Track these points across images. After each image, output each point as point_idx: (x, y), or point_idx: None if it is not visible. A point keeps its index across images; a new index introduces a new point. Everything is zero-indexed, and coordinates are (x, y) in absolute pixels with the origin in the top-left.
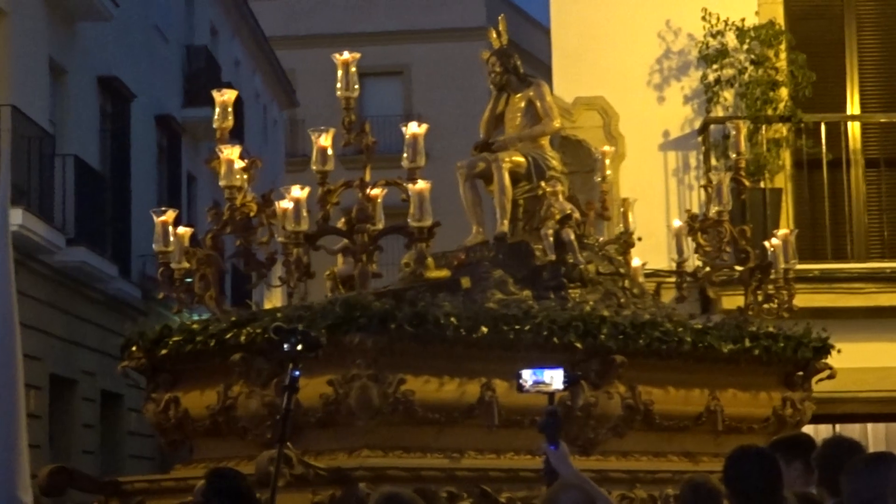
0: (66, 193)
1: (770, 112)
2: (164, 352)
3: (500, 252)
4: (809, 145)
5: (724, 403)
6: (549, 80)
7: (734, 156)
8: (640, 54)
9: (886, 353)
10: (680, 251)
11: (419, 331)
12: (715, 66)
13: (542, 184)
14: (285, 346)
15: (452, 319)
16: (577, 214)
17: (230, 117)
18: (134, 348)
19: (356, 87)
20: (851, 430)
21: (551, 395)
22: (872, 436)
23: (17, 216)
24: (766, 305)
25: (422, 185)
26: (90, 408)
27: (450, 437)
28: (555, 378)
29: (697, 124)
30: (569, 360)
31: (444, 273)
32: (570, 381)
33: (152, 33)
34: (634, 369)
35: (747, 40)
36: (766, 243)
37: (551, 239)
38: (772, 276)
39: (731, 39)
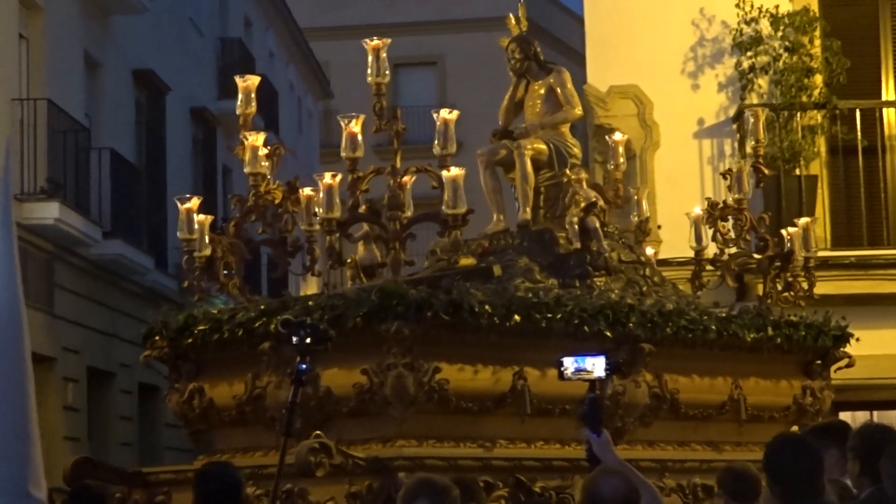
0: (102, 186)
1: (805, 99)
2: (188, 341)
3: (524, 240)
4: (844, 132)
5: (747, 392)
6: (582, 69)
7: (752, 143)
8: (674, 42)
9: None
10: (698, 239)
11: (454, 319)
12: (749, 54)
13: (567, 171)
14: (294, 339)
15: (487, 307)
16: (601, 202)
17: (253, 103)
18: (157, 337)
19: (387, 73)
20: (888, 417)
21: (592, 382)
22: None
23: (53, 210)
24: (784, 294)
25: (456, 171)
26: (128, 400)
27: (482, 426)
28: (596, 365)
29: (732, 112)
30: (598, 349)
31: (470, 261)
32: (611, 369)
33: (186, 26)
34: (661, 358)
35: (781, 27)
36: (784, 231)
37: (576, 227)
38: (792, 265)
39: (765, 26)
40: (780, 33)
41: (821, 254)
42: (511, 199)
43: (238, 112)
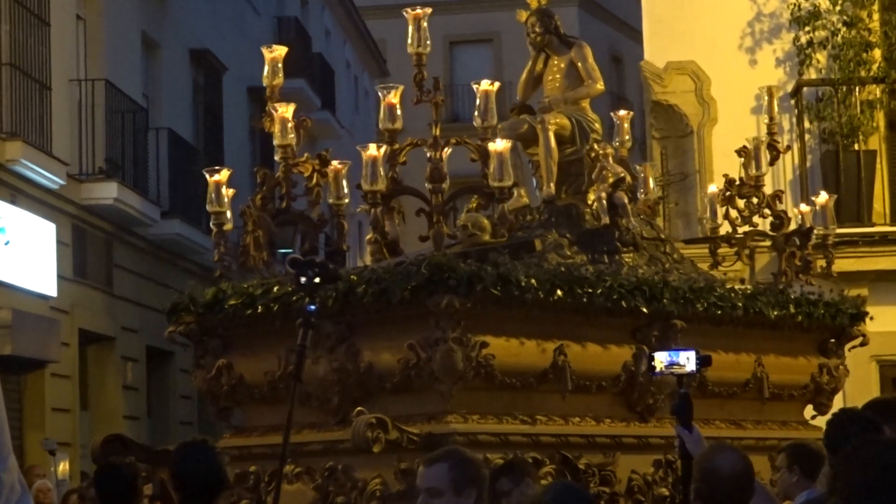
0: (159, 166)
1: (863, 73)
2: (218, 316)
3: (551, 215)
4: None
5: (769, 370)
6: (639, 46)
7: (767, 121)
8: (732, 17)
9: None
10: (714, 216)
11: (503, 293)
12: (807, 28)
13: (595, 146)
14: (302, 278)
15: (533, 282)
16: (629, 178)
17: (280, 74)
18: (183, 313)
19: (428, 43)
20: None
21: (681, 378)
22: None
23: (112, 190)
24: (807, 276)
25: (503, 144)
26: (186, 379)
27: (525, 401)
28: (689, 360)
29: (790, 87)
30: (633, 325)
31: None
32: (701, 363)
33: (243, 5)
34: (690, 335)
35: (840, 1)
36: (797, 209)
37: (605, 202)
38: (812, 242)
39: (823, 1)
40: (838, 7)
41: (880, 229)
42: (529, 175)
43: (265, 83)
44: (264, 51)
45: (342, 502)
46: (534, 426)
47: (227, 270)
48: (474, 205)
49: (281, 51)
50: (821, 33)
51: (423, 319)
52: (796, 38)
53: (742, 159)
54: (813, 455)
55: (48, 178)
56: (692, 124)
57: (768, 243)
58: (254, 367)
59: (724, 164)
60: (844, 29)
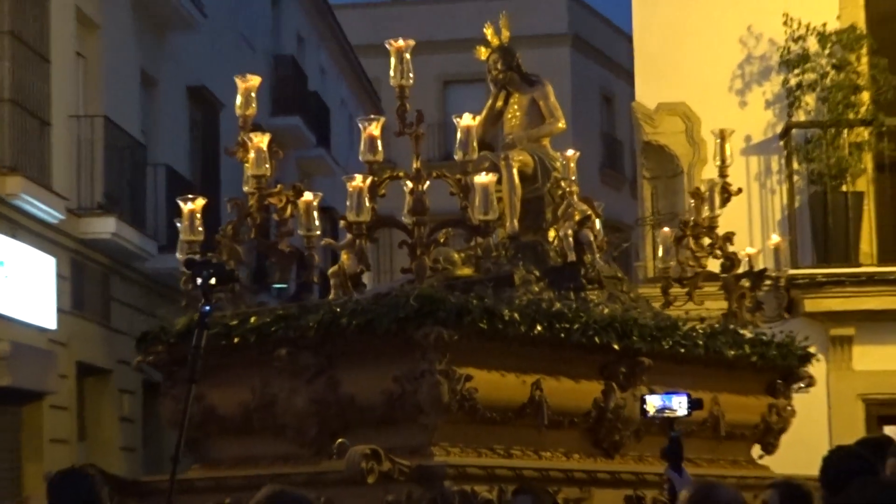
0: (157, 202)
1: (852, 116)
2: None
3: (516, 251)
4: (891, 148)
5: (724, 409)
6: (630, 86)
7: (717, 163)
8: (722, 59)
9: None
10: (666, 256)
11: (488, 326)
12: (796, 71)
13: (563, 183)
14: (198, 280)
15: (516, 315)
16: (594, 216)
17: (253, 104)
18: (154, 342)
19: (410, 75)
20: None
21: (672, 421)
22: None
23: (110, 224)
24: (749, 316)
25: (487, 178)
26: None
27: (503, 435)
28: (681, 404)
29: (779, 129)
30: (602, 361)
31: (468, 270)
32: (692, 407)
33: (240, 42)
34: (654, 372)
35: (829, 45)
36: (744, 251)
37: (570, 239)
38: (766, 283)
39: (812, 44)
40: (827, 51)
41: (867, 269)
42: None
43: (238, 113)
44: (238, 80)
45: None
46: (516, 460)
47: (195, 300)
48: (442, 239)
49: (255, 80)
50: (810, 76)
51: (408, 351)
52: (786, 81)
53: (693, 202)
54: (800, 493)
55: (48, 212)
56: (682, 165)
57: (718, 285)
58: (227, 397)
59: None
60: (833, 72)
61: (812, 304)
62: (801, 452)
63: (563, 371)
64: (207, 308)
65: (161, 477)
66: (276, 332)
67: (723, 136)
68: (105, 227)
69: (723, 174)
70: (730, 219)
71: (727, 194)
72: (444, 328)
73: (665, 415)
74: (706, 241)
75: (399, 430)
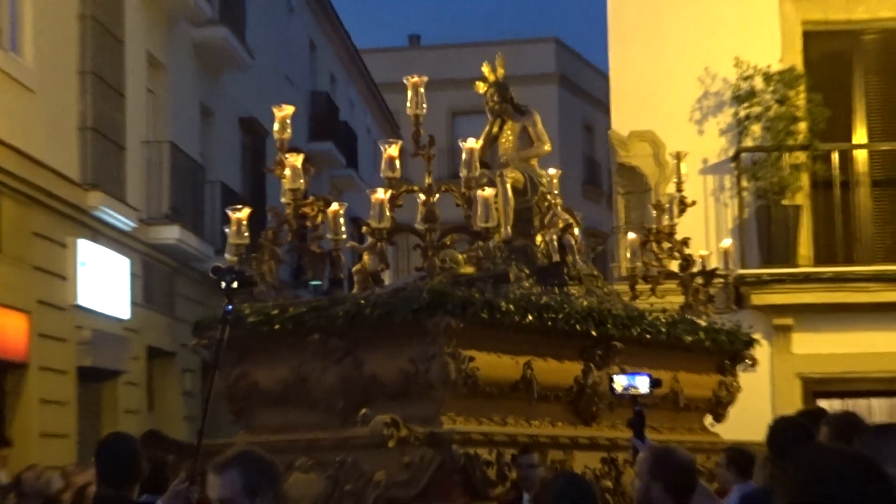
0: (213, 213)
1: (791, 142)
2: (238, 332)
3: (510, 253)
4: (824, 169)
5: (682, 385)
6: (607, 117)
7: (675, 180)
8: (684, 95)
9: (889, 341)
10: (633, 258)
11: (488, 316)
12: (745, 105)
13: (549, 196)
14: (222, 284)
15: (511, 307)
16: (575, 224)
17: (288, 129)
18: (207, 329)
19: (424, 106)
20: (858, 405)
21: (635, 397)
22: (878, 409)
23: (175, 232)
24: (703, 308)
25: (488, 191)
26: None
27: (500, 406)
28: (643, 383)
29: (731, 153)
30: (582, 345)
31: (471, 269)
32: (653, 385)
33: (283, 81)
34: (624, 354)
35: (772, 83)
36: (698, 254)
37: (555, 243)
38: (716, 280)
39: (758, 82)
40: (771, 88)
41: (804, 269)
42: None
43: (276, 136)
44: (275, 109)
45: (350, 489)
46: (510, 427)
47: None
48: (448, 242)
49: (289, 109)
50: (756, 109)
51: (421, 337)
52: (736, 113)
53: (656, 212)
54: (746, 456)
55: (123, 221)
56: (650, 182)
57: (676, 282)
58: (268, 375)
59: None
60: (776, 105)
61: (758, 298)
62: (748, 422)
63: (549, 353)
64: (230, 307)
65: (214, 441)
66: (310, 320)
67: (679, 158)
68: (170, 234)
69: (679, 189)
70: (690, 227)
71: (683, 206)
72: (451, 317)
73: (630, 392)
74: (666, 245)
75: (413, 402)
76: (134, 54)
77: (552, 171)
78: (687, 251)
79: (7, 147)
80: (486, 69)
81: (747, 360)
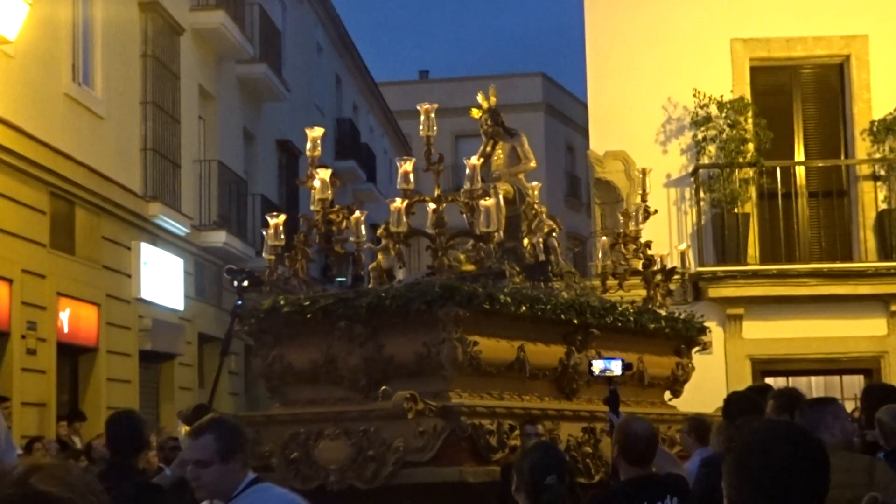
0: (255, 220)
1: (741, 160)
2: (275, 319)
3: (503, 254)
4: (769, 182)
5: (646, 366)
6: (586, 139)
7: (639, 192)
8: (650, 120)
9: (824, 327)
10: (604, 257)
11: (490, 307)
12: (702, 129)
13: (535, 205)
14: (234, 283)
15: (508, 299)
16: (557, 228)
17: (318, 148)
18: (247, 317)
19: (434, 128)
20: (798, 381)
21: (611, 378)
22: (815, 385)
23: (221, 236)
24: (666, 299)
25: (490, 200)
26: None
27: (498, 383)
28: (616, 366)
29: (690, 169)
30: (564, 331)
31: (470, 267)
32: (625, 368)
33: (313, 109)
34: (600, 339)
35: (725, 110)
36: (659, 254)
37: (541, 245)
38: (675, 277)
39: (713, 109)
40: (723, 114)
41: (752, 267)
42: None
43: (308, 154)
44: (308, 131)
45: (372, 454)
46: (507, 401)
47: (274, 285)
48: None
49: (319, 131)
50: (712, 132)
51: (433, 324)
52: (695, 135)
53: (623, 219)
54: (704, 425)
55: (178, 227)
56: (623, 195)
57: (639, 278)
58: (301, 356)
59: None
60: (728, 129)
61: (714, 291)
62: (705, 396)
63: (538, 338)
64: (240, 303)
65: (255, 413)
66: (338, 310)
67: (644, 173)
68: (218, 238)
69: (644, 199)
70: (655, 232)
71: (647, 214)
72: (459, 308)
73: (606, 374)
74: (632, 247)
75: (425, 380)
76: (188, 87)
77: (535, 183)
78: (650, 252)
79: (81, 165)
80: (480, 98)
81: (700, 345)
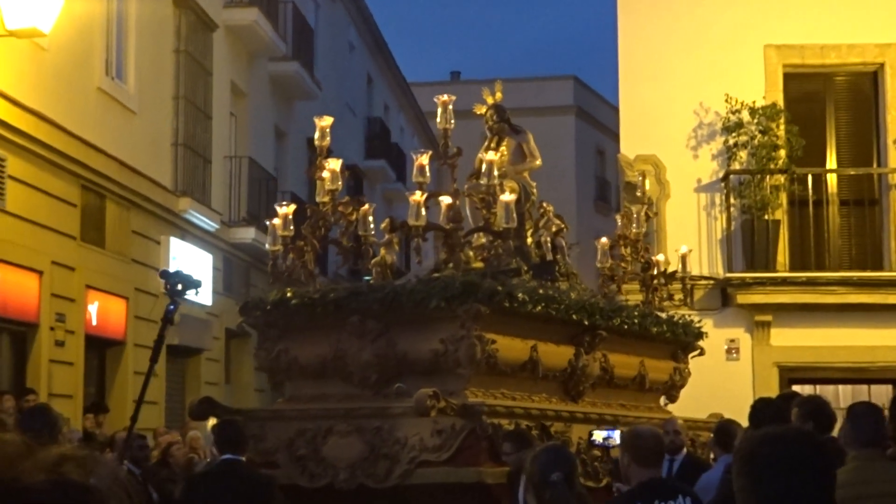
0: None
1: (772, 166)
2: (281, 312)
3: (513, 252)
4: (800, 190)
5: (647, 370)
6: (617, 143)
7: (639, 194)
8: (682, 125)
9: (853, 336)
10: (605, 259)
11: (508, 305)
12: (734, 134)
13: (544, 204)
14: (168, 285)
15: (525, 297)
16: (564, 227)
17: (328, 138)
18: (253, 309)
19: (452, 121)
20: (826, 390)
21: (609, 448)
22: (843, 394)
23: (251, 233)
24: (665, 303)
25: (509, 197)
26: None
27: (510, 383)
28: (615, 437)
29: (721, 175)
30: (573, 332)
31: (479, 264)
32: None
33: (344, 108)
34: (605, 342)
35: (756, 116)
36: (658, 256)
37: (548, 244)
38: (674, 281)
39: (745, 115)
40: (755, 120)
41: (781, 274)
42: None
43: (316, 143)
44: (316, 119)
45: (386, 452)
46: (519, 402)
47: (279, 277)
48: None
49: (328, 120)
50: (743, 137)
51: (450, 321)
52: (726, 141)
53: (623, 221)
54: (728, 432)
55: (207, 223)
56: (653, 199)
57: (638, 282)
58: (307, 351)
59: (673, 227)
60: (760, 135)
61: (742, 298)
62: (732, 402)
63: (549, 339)
64: (172, 307)
65: (261, 407)
66: (350, 304)
67: (643, 176)
68: (247, 234)
69: (644, 201)
70: (685, 237)
71: (648, 217)
72: (480, 305)
73: (608, 442)
74: (634, 249)
75: (440, 377)
76: (220, 83)
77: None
78: (648, 255)
79: (112, 159)
80: (485, 94)
81: (697, 350)
